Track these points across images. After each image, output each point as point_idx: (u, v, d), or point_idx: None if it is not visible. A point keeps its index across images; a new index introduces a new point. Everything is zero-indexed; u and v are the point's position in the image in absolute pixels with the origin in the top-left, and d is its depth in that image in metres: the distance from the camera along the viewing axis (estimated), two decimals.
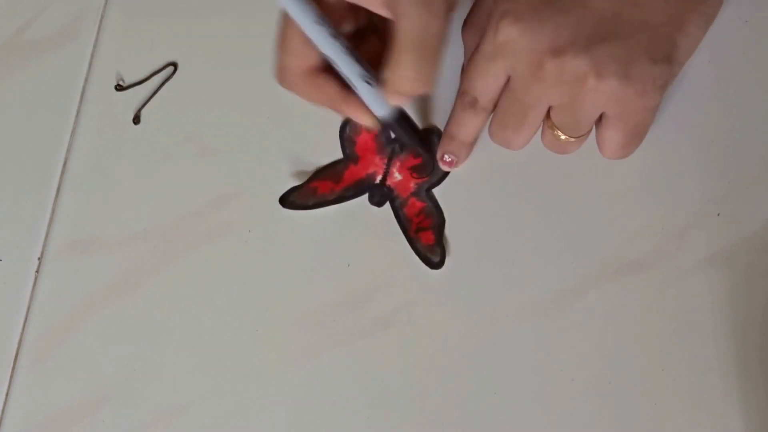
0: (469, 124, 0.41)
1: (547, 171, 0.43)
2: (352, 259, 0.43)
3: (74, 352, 0.44)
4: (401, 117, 0.40)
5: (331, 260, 0.43)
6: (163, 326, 0.44)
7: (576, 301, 0.41)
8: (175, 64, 0.47)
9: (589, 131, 0.40)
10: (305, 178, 0.44)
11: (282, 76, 0.39)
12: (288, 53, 0.38)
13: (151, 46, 0.47)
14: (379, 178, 0.44)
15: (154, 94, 0.47)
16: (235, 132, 0.46)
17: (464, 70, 0.41)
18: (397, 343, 0.42)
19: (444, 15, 0.36)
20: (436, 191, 0.43)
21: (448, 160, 0.42)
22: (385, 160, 0.44)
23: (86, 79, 0.47)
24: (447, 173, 0.43)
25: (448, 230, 0.43)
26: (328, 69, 0.38)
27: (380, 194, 0.44)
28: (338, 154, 0.44)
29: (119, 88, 0.47)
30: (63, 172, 0.46)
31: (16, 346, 0.45)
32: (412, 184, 0.44)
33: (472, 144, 0.42)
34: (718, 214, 0.41)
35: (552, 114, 0.39)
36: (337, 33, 0.37)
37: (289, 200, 0.44)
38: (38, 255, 0.46)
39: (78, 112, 0.47)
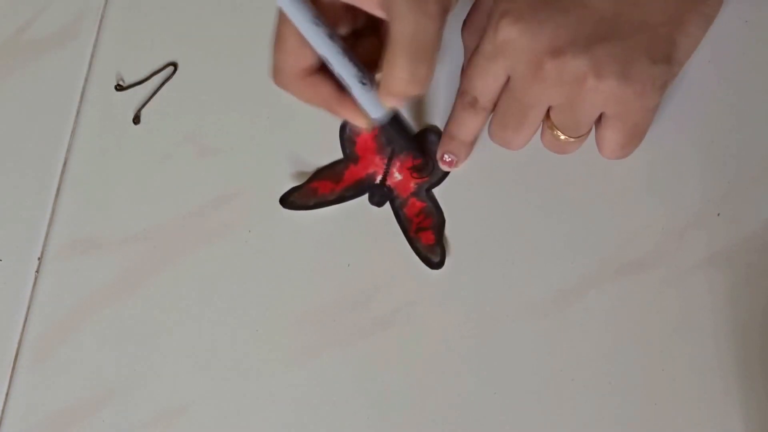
0: (469, 124, 0.41)
1: (547, 171, 0.43)
2: (352, 259, 0.43)
3: (74, 352, 0.44)
4: (395, 119, 0.40)
5: (331, 260, 0.43)
6: (163, 326, 0.44)
7: (576, 301, 0.41)
8: (175, 64, 0.47)
9: (589, 131, 0.40)
10: (305, 179, 0.44)
11: (277, 75, 0.39)
12: (284, 53, 0.38)
13: (151, 46, 0.47)
14: (379, 178, 0.44)
15: (154, 94, 0.47)
16: (235, 132, 0.46)
17: (464, 70, 0.41)
18: (397, 343, 0.42)
19: (439, 16, 0.36)
20: (436, 191, 0.43)
21: (448, 160, 0.43)
22: (385, 160, 0.44)
23: (86, 79, 0.47)
24: (447, 173, 0.43)
25: (448, 230, 0.43)
26: (323, 69, 0.38)
27: (380, 194, 0.44)
28: (338, 155, 0.44)
29: (119, 88, 0.47)
30: (63, 172, 0.46)
31: (16, 346, 0.45)
32: (412, 184, 0.44)
33: (472, 144, 0.42)
34: (718, 214, 0.41)
35: (552, 114, 0.39)
36: (333, 33, 0.37)
37: (289, 200, 0.44)
38: (38, 255, 0.46)
39: (78, 112, 0.47)
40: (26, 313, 0.45)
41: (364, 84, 0.38)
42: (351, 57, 0.37)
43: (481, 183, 0.43)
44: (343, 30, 0.39)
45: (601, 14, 0.37)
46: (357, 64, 0.37)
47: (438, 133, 0.43)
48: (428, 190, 0.43)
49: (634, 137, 0.40)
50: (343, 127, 0.44)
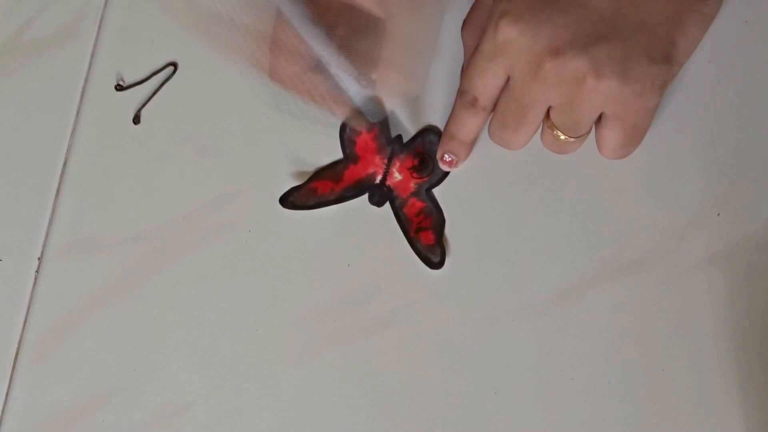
0: (468, 124, 0.41)
1: (547, 171, 0.43)
2: (352, 259, 0.43)
3: (74, 352, 0.44)
4: (387, 121, 0.40)
5: (331, 260, 0.43)
6: (163, 326, 0.44)
7: (576, 300, 0.41)
8: (175, 64, 0.47)
9: (589, 131, 0.40)
10: (305, 178, 0.44)
11: (274, 73, 0.39)
12: (281, 51, 0.38)
13: (151, 46, 0.47)
14: (379, 178, 0.44)
15: (154, 94, 0.47)
16: (235, 132, 0.46)
17: (464, 70, 0.41)
18: (397, 343, 0.42)
19: (435, 16, 0.36)
20: (436, 191, 0.43)
21: (448, 160, 0.43)
22: (385, 161, 0.44)
23: (86, 79, 0.47)
24: (447, 173, 0.43)
25: (448, 230, 0.43)
26: (320, 68, 0.38)
27: (380, 194, 0.44)
28: (338, 155, 0.44)
29: (119, 88, 0.47)
30: (63, 172, 0.46)
31: (16, 346, 0.45)
32: (412, 184, 0.44)
33: (472, 143, 0.42)
34: (718, 214, 0.41)
35: (551, 114, 0.39)
36: (331, 33, 0.37)
37: (289, 200, 0.44)
38: (38, 255, 0.46)
39: (78, 112, 0.47)
40: (26, 313, 0.45)
41: (361, 84, 0.38)
42: (348, 56, 0.37)
43: (481, 183, 0.43)
44: (342, 29, 0.39)
45: (600, 14, 0.37)
46: (354, 63, 0.38)
47: (438, 133, 0.43)
48: (428, 190, 0.43)
49: (634, 137, 0.40)
50: (344, 127, 0.44)
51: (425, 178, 0.44)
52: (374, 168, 0.44)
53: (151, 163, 0.46)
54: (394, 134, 0.44)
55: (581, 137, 0.40)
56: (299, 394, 0.42)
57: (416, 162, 0.44)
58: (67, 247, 0.45)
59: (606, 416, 0.40)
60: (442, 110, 0.43)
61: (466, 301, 0.42)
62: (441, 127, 0.43)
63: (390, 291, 0.43)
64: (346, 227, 0.44)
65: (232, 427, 0.42)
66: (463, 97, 0.40)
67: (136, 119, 0.46)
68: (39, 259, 0.46)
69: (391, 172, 0.44)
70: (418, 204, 0.43)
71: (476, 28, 0.40)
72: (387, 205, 0.44)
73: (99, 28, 0.48)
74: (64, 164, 0.46)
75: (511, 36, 0.37)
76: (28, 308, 0.45)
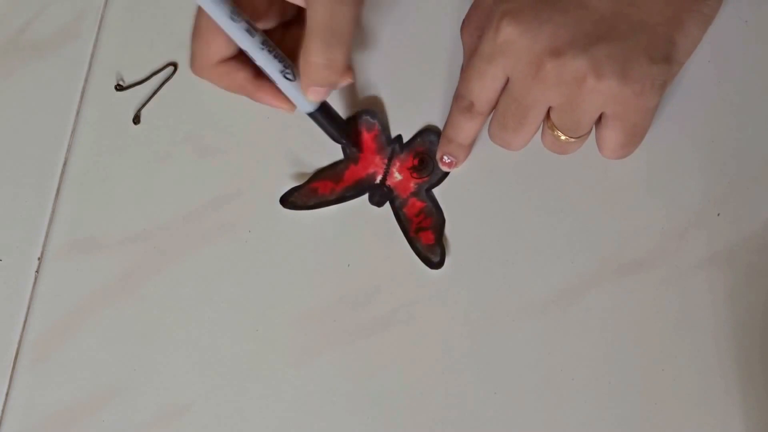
0: (465, 128, 0.41)
1: (547, 171, 0.43)
2: (352, 259, 0.43)
3: (74, 352, 0.44)
4: (324, 108, 0.41)
5: (331, 260, 0.43)
6: (163, 326, 0.44)
7: (576, 301, 0.41)
8: (175, 64, 0.47)
9: (589, 131, 0.40)
10: (305, 179, 0.44)
11: (195, 64, 0.40)
12: (201, 42, 0.39)
13: (151, 46, 0.47)
14: (379, 178, 0.44)
15: (154, 94, 0.47)
16: (235, 132, 0.46)
17: (463, 72, 0.41)
18: (397, 343, 0.42)
19: (354, 3, 0.36)
20: (436, 191, 0.43)
21: (447, 161, 0.43)
22: (386, 161, 0.44)
23: (86, 79, 0.47)
24: (447, 173, 0.43)
25: (448, 230, 0.43)
26: (241, 57, 0.39)
27: (380, 194, 0.44)
28: (338, 155, 0.44)
29: (119, 88, 0.47)
30: (63, 172, 0.46)
31: (16, 346, 0.45)
32: (412, 184, 0.44)
33: (471, 145, 0.42)
34: (718, 214, 0.41)
35: (552, 114, 0.39)
36: (253, 28, 0.37)
37: (289, 201, 0.44)
38: (38, 255, 0.46)
39: (78, 112, 0.47)
40: (26, 313, 0.45)
41: (287, 77, 0.38)
42: (272, 50, 0.38)
43: (481, 183, 0.43)
44: (271, 23, 0.40)
45: (600, 14, 0.37)
46: (279, 56, 0.38)
47: (438, 133, 0.43)
48: (428, 190, 0.43)
49: (634, 137, 0.40)
50: (346, 144, 0.44)
51: (425, 178, 0.44)
52: (374, 168, 0.44)
53: (151, 163, 0.46)
54: (392, 133, 0.44)
55: (581, 137, 0.40)
56: (299, 394, 0.42)
57: (416, 162, 0.44)
58: (67, 247, 0.45)
59: (606, 416, 0.40)
60: (442, 110, 0.43)
61: (466, 301, 0.42)
62: (441, 126, 0.43)
63: (390, 291, 0.43)
64: (347, 227, 0.44)
65: (232, 427, 0.42)
66: (459, 102, 0.40)
67: (136, 119, 0.46)
68: (39, 259, 0.46)
69: (391, 172, 0.44)
70: (418, 204, 0.43)
71: (475, 28, 0.40)
72: (387, 205, 0.44)
73: (99, 28, 0.48)
74: (64, 164, 0.46)
75: (511, 36, 0.37)
76: (28, 308, 0.45)
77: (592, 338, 0.41)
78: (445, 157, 0.42)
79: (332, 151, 0.44)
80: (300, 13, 0.39)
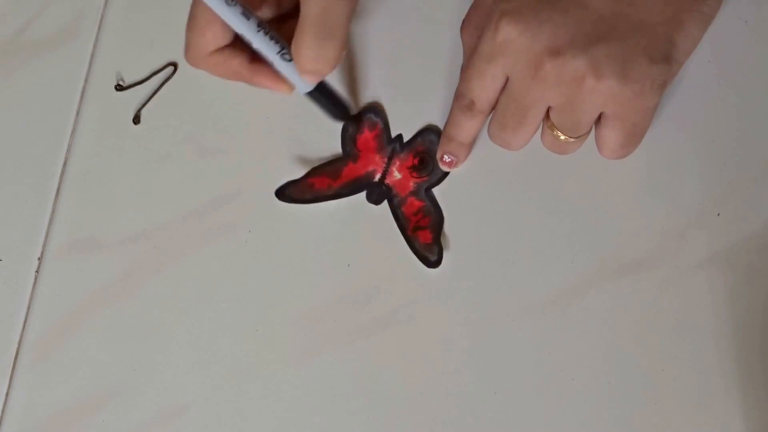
0: (466, 127, 0.41)
1: (547, 171, 0.43)
2: (352, 259, 0.43)
3: (74, 352, 0.44)
4: (322, 87, 0.41)
5: (331, 260, 0.43)
6: (163, 326, 0.44)
7: (576, 300, 0.41)
8: (175, 64, 0.47)
9: (589, 131, 0.40)
10: None
11: (190, 55, 0.40)
12: (196, 32, 0.39)
13: (151, 46, 0.47)
14: (378, 177, 0.44)
15: (154, 94, 0.47)
16: (235, 132, 0.46)
17: (462, 72, 0.41)
18: (397, 343, 0.42)
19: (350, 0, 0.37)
20: (436, 191, 0.43)
21: (447, 161, 0.43)
22: (385, 159, 0.44)
23: (86, 79, 0.47)
24: (447, 173, 0.43)
25: (448, 230, 0.43)
26: (235, 44, 0.39)
27: (378, 192, 0.44)
28: (339, 155, 0.44)
29: (119, 88, 0.47)
30: (63, 172, 0.46)
31: (16, 346, 0.45)
32: (412, 183, 0.44)
33: (471, 144, 0.42)
34: (718, 214, 0.41)
35: (551, 114, 0.39)
36: (247, 11, 0.38)
37: (285, 193, 0.44)
38: (38, 255, 0.46)
39: (78, 112, 0.47)
40: (26, 313, 0.45)
41: (284, 57, 0.39)
42: (268, 32, 0.38)
43: (480, 183, 0.43)
44: (267, 14, 0.40)
45: (599, 14, 0.37)
46: (275, 37, 0.39)
47: (438, 133, 0.43)
48: (428, 190, 0.43)
49: (634, 137, 0.40)
50: (346, 127, 0.44)
51: (425, 178, 0.43)
52: (374, 166, 0.44)
53: (151, 163, 0.46)
54: (393, 132, 0.44)
55: (581, 137, 0.40)
56: (299, 394, 0.42)
57: (416, 161, 0.44)
58: (67, 247, 0.45)
59: (606, 416, 0.40)
60: (443, 110, 0.43)
61: (466, 301, 0.42)
62: (441, 126, 0.43)
63: (390, 291, 0.43)
64: (347, 227, 0.44)
65: (232, 427, 0.42)
66: (460, 101, 0.40)
67: (136, 119, 0.46)
68: (39, 259, 0.46)
69: (390, 171, 0.44)
70: (417, 203, 0.43)
71: (475, 28, 0.40)
72: (386, 204, 0.43)
73: (99, 28, 0.48)
74: (64, 164, 0.46)
75: (511, 36, 0.37)
76: (28, 308, 0.45)
77: (591, 338, 0.41)
78: (446, 156, 0.42)
79: (334, 152, 0.44)
80: (296, 6, 0.39)
